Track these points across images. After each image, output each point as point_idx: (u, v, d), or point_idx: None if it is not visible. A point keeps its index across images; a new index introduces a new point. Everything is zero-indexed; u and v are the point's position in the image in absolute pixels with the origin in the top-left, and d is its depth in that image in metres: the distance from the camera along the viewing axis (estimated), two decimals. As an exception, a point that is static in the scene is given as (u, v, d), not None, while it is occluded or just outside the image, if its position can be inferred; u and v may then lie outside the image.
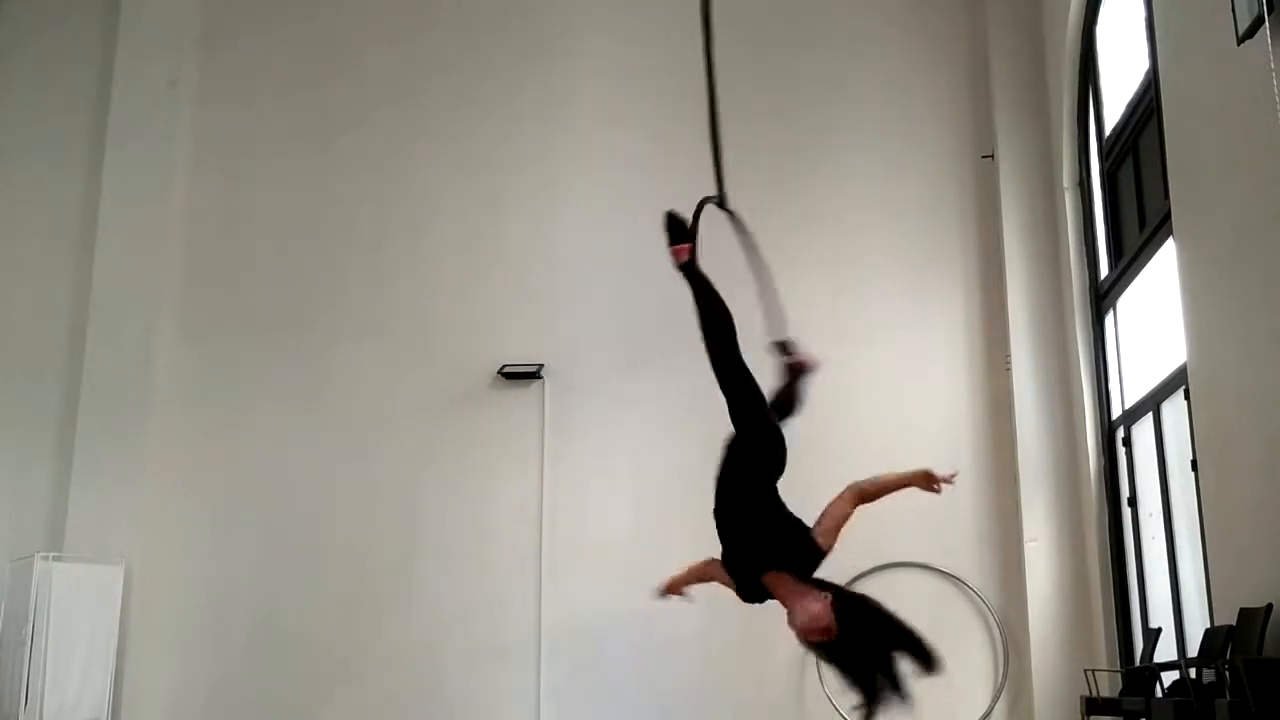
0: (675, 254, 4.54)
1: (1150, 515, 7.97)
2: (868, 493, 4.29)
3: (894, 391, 9.54)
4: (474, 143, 10.30)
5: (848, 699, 4.14)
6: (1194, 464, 6.65)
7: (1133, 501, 8.32)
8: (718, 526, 4.41)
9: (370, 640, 9.43)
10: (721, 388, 4.39)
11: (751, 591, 4.36)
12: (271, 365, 10.02)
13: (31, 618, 8.33)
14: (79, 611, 8.64)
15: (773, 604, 4.32)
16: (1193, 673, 6.07)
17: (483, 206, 10.21)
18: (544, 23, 10.49)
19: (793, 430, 4.70)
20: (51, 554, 8.73)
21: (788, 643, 9.55)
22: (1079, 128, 9.27)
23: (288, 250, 10.25)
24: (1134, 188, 8.06)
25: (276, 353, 10.03)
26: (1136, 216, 8.01)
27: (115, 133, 10.17)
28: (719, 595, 9.47)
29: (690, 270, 4.49)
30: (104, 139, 10.19)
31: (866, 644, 4.04)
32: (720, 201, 5.17)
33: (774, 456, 4.39)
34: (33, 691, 8.22)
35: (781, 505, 4.33)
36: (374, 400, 9.91)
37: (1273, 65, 5.27)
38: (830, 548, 4.22)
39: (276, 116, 10.48)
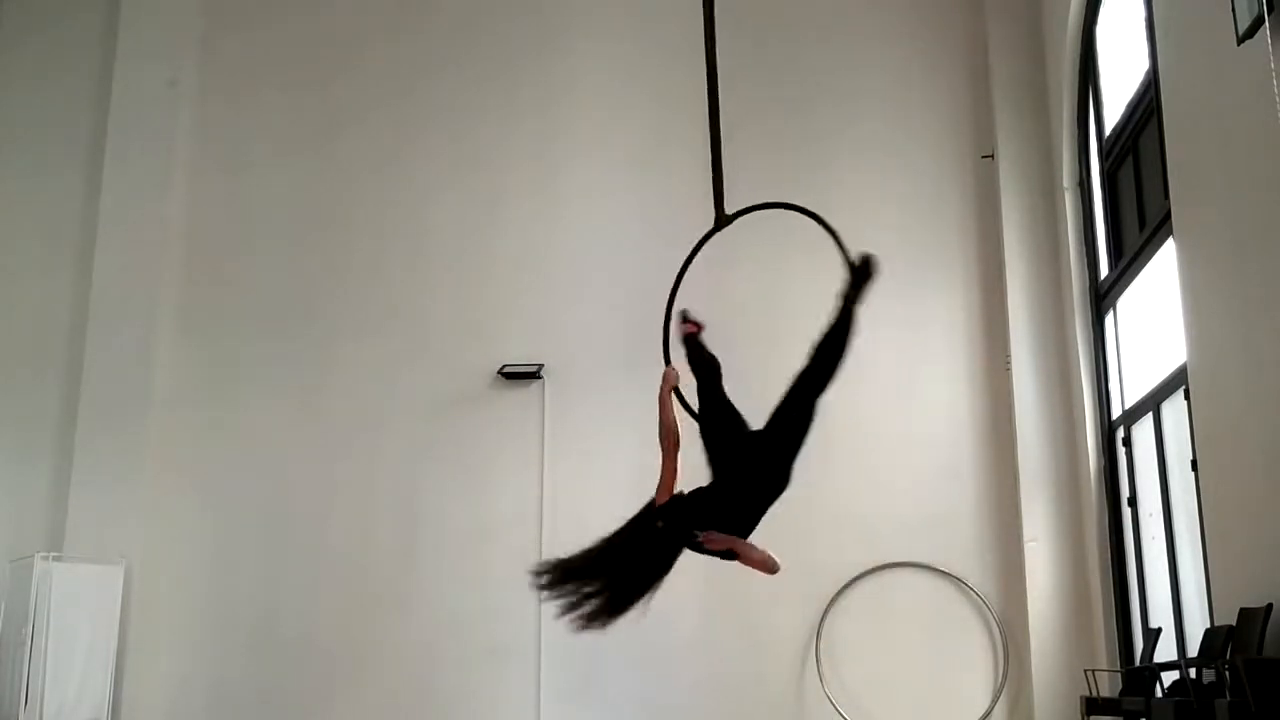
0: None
1: (1150, 515, 7.97)
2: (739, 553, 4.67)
3: (894, 392, 9.53)
4: (474, 142, 10.31)
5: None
6: (1194, 464, 6.65)
7: (1133, 501, 8.32)
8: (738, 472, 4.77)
9: (370, 640, 9.43)
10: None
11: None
12: (271, 365, 10.02)
13: (31, 618, 8.33)
14: (79, 611, 8.64)
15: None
16: (1193, 673, 6.07)
17: (482, 206, 10.21)
18: (544, 22, 10.49)
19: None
20: (51, 554, 8.73)
21: (788, 643, 9.53)
22: (1079, 128, 9.27)
23: (287, 249, 10.25)
24: (1134, 188, 8.06)
25: (276, 352, 10.03)
26: (1136, 216, 8.01)
27: (115, 133, 10.18)
28: (719, 596, 9.42)
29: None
30: (104, 139, 10.20)
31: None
32: (719, 211, 5.62)
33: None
34: (33, 691, 8.22)
35: None
36: (374, 400, 9.92)
37: (1273, 65, 5.27)
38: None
39: (277, 116, 10.48)
